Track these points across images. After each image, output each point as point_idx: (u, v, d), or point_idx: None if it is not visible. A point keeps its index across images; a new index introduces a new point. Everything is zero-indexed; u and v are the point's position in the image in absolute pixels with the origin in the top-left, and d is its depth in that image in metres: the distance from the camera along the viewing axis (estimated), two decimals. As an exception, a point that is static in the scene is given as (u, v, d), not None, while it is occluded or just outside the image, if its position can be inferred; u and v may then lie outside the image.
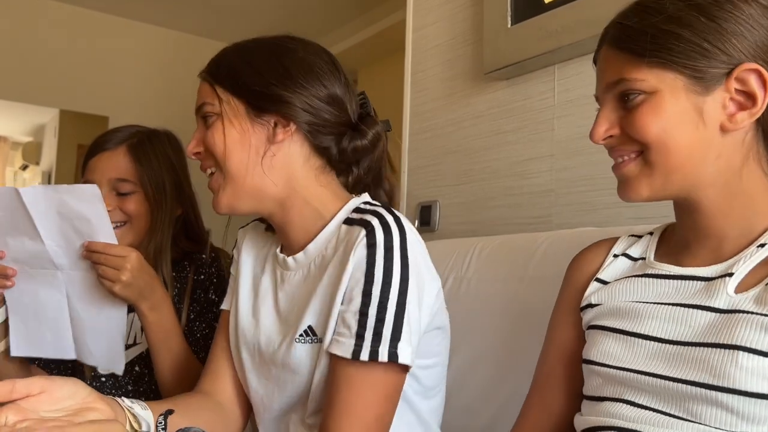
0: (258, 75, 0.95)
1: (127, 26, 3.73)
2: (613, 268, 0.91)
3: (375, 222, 0.90)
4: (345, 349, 0.87)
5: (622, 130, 0.79)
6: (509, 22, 1.65)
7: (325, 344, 0.90)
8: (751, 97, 0.75)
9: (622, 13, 0.81)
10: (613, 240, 0.95)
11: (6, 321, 1.22)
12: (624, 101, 0.78)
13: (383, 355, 0.86)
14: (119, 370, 1.23)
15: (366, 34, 3.23)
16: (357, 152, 1.00)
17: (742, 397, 0.68)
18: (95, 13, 3.63)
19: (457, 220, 1.80)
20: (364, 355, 0.86)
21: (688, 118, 0.76)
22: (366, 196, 1.01)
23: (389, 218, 0.91)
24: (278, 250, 1.02)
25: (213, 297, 1.35)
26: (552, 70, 1.60)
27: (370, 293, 0.88)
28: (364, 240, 0.89)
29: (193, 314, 1.33)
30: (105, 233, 1.13)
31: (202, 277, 1.36)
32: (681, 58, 0.75)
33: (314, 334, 0.93)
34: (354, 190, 1.03)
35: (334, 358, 0.90)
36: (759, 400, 0.68)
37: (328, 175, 1.00)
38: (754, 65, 0.74)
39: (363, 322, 0.87)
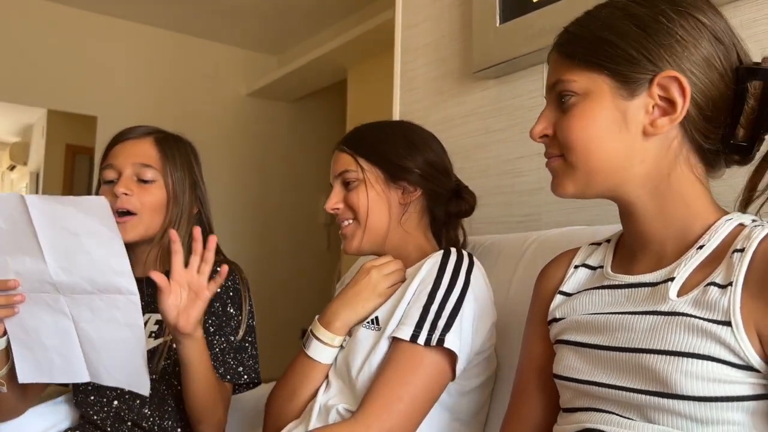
0: (394, 150, 1.21)
1: (115, 25, 3.70)
2: (575, 279, 0.94)
3: (453, 250, 1.13)
4: (405, 333, 1.05)
5: (555, 132, 0.84)
6: (498, 20, 1.65)
7: (386, 332, 1.08)
8: (672, 103, 0.78)
9: (572, 21, 0.86)
10: (575, 251, 0.98)
11: (7, 348, 1.18)
12: (561, 103, 0.83)
13: (434, 341, 1.03)
14: (145, 391, 1.16)
15: (355, 33, 3.21)
16: (460, 215, 1.29)
17: (690, 402, 0.70)
18: (83, 12, 3.61)
19: (447, 219, 1.80)
20: (421, 340, 1.04)
21: (613, 121, 0.80)
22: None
23: (464, 252, 1.14)
24: None
25: (231, 311, 1.33)
26: (541, 69, 1.60)
27: (435, 296, 1.07)
28: (440, 257, 1.12)
29: (212, 328, 1.31)
30: (115, 250, 1.06)
31: (219, 290, 1.32)
32: (608, 62, 0.79)
33: (377, 323, 1.12)
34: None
35: (393, 342, 1.07)
36: (707, 403, 0.69)
37: (429, 231, 1.27)
38: (674, 73, 0.77)
39: (424, 316, 1.05)
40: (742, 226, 0.78)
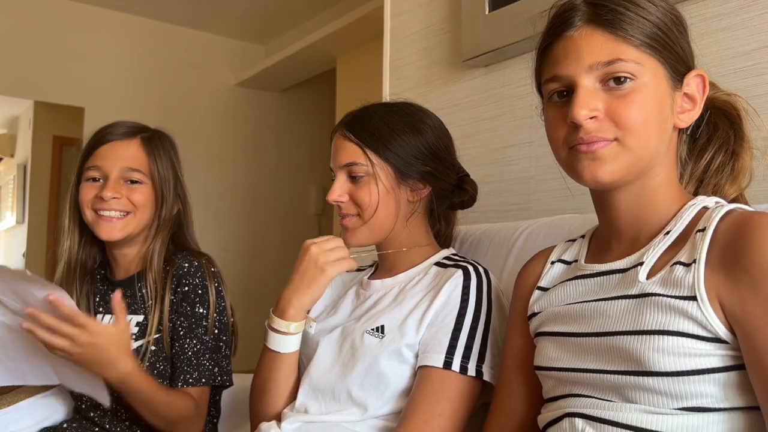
0: (406, 146, 1.14)
1: (102, 16, 3.66)
2: (551, 274, 0.97)
3: (471, 269, 1.11)
4: (436, 360, 1.03)
5: (607, 113, 0.79)
6: (487, 8, 1.65)
7: (392, 344, 1.07)
8: (692, 100, 0.84)
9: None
10: (551, 248, 1.02)
11: None
12: (608, 84, 0.80)
13: (471, 370, 1.03)
14: (105, 402, 1.20)
15: (343, 21, 3.19)
16: (462, 206, 1.25)
17: (664, 378, 0.73)
18: (70, 2, 3.56)
19: (438, 208, 1.80)
20: (455, 367, 1.03)
21: (666, 107, 0.81)
22: (452, 250, 1.23)
23: (481, 269, 1.12)
24: (367, 277, 1.23)
25: (201, 311, 1.31)
26: (530, 57, 1.59)
27: (462, 320, 1.06)
28: (461, 280, 1.09)
29: (182, 331, 1.30)
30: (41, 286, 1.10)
31: (186, 288, 1.31)
32: (666, 50, 0.81)
33: (383, 332, 1.10)
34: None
35: (423, 370, 1.05)
36: (680, 377, 0.72)
37: (429, 227, 1.22)
38: (701, 71, 0.84)
39: (455, 340, 1.04)
40: (705, 209, 0.82)
